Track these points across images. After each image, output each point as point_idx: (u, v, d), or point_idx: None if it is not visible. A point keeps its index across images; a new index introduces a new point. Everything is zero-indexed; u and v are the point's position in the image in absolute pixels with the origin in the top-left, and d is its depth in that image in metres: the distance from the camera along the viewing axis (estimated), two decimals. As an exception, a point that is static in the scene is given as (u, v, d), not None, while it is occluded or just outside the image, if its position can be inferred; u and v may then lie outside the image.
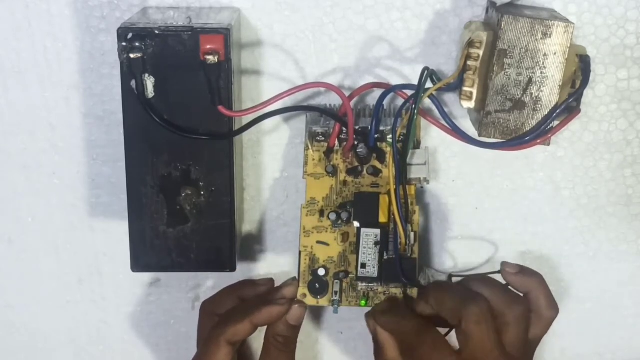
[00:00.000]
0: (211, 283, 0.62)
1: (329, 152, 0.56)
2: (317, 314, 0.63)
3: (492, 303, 0.50)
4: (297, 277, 0.55)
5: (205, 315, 0.58)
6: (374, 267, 0.54)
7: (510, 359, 0.50)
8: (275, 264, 0.61)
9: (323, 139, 0.56)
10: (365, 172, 0.56)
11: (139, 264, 0.54)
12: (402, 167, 0.54)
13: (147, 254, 0.53)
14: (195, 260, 0.54)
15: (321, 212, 0.56)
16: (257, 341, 0.61)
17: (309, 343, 0.64)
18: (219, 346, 0.53)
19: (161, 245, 0.53)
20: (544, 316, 0.53)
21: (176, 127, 0.51)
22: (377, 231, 0.55)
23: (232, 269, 0.54)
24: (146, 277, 0.62)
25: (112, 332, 0.64)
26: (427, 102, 0.53)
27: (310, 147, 0.56)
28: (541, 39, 0.48)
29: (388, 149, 0.55)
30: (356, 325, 0.63)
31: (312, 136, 0.56)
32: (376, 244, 0.54)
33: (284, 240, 0.61)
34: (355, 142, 0.55)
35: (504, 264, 0.55)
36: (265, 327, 0.55)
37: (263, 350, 0.55)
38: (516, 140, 0.50)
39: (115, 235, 0.60)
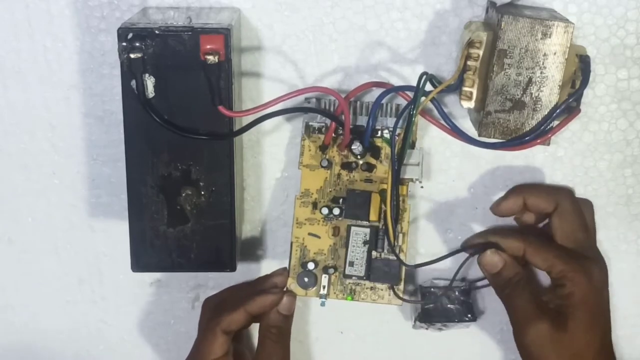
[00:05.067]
0: (211, 283, 0.62)
1: (324, 147, 0.56)
2: (317, 314, 0.63)
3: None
4: (287, 267, 0.56)
5: (207, 310, 0.58)
6: (361, 266, 0.55)
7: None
8: (275, 264, 0.61)
9: (320, 131, 0.56)
10: (359, 167, 0.56)
11: (139, 264, 0.54)
12: (398, 169, 0.54)
13: (147, 254, 0.53)
14: (195, 260, 0.54)
15: (314, 205, 0.56)
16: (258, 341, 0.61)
17: (308, 342, 0.64)
18: (215, 335, 0.54)
19: (161, 245, 0.53)
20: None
21: (176, 127, 0.51)
22: (367, 230, 0.55)
23: (232, 269, 0.54)
24: (146, 277, 0.62)
25: (112, 332, 0.64)
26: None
27: (307, 137, 0.56)
28: (541, 39, 0.48)
29: (383, 145, 0.56)
30: (356, 325, 0.63)
31: (308, 129, 0.56)
32: (365, 243, 0.55)
33: (284, 240, 0.61)
34: (352, 138, 0.55)
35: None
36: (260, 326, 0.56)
37: (258, 344, 0.56)
38: (516, 140, 0.50)
39: (115, 235, 0.60)
